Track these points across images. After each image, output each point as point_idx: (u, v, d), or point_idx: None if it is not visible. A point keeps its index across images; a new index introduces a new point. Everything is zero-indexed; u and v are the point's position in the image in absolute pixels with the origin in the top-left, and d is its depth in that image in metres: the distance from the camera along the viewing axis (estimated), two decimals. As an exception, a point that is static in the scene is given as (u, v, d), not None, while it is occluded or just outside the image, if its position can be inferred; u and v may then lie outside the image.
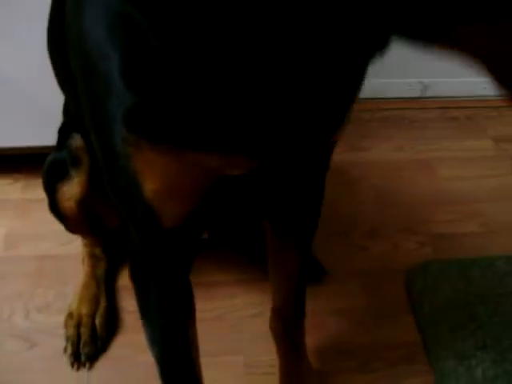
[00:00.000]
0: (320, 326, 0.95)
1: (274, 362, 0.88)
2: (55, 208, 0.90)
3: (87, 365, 0.91)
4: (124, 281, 1.03)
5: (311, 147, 0.55)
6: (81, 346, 0.92)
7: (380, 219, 1.16)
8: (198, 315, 0.68)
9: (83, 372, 0.90)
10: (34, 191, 1.17)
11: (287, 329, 0.85)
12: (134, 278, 0.63)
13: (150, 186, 0.50)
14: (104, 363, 0.92)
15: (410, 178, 1.26)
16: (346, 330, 0.97)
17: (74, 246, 1.05)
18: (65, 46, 0.55)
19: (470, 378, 0.91)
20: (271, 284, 0.82)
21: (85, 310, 0.95)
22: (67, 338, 0.93)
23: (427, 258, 1.09)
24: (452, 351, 0.95)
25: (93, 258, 1.01)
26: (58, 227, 0.96)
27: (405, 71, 1.43)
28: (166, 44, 0.43)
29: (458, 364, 0.93)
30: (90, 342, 0.93)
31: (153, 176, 0.50)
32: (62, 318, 0.96)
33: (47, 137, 0.99)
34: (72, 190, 0.86)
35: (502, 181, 1.28)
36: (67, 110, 0.89)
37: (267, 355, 0.90)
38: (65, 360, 0.91)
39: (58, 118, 0.90)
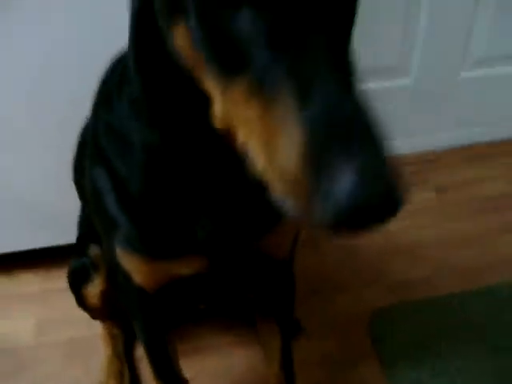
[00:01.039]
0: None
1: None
2: (82, 303, 1.13)
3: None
4: (140, 351, 1.24)
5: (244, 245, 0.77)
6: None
7: (344, 274, 1.39)
8: None
9: None
10: (53, 282, 1.38)
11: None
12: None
13: (135, 276, 0.78)
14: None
15: (367, 235, 1.49)
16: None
17: (98, 327, 1.26)
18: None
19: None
20: (266, 358, 1.06)
21: (110, 379, 1.17)
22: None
23: (386, 304, 1.33)
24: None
25: (112, 337, 1.23)
26: (83, 313, 1.19)
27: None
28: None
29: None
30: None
31: (135, 273, 0.78)
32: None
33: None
34: (94, 289, 1.09)
35: (445, 227, 1.52)
36: (84, 223, 1.12)
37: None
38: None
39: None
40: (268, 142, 0.44)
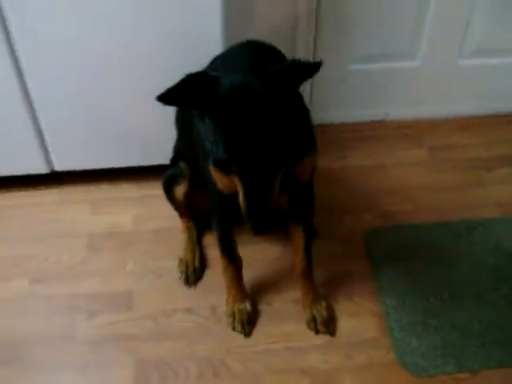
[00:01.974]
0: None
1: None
2: (172, 200, 1.71)
3: (193, 285, 1.73)
4: (206, 240, 1.83)
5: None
6: (190, 277, 1.73)
7: (351, 202, 1.96)
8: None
9: (191, 287, 1.72)
10: (147, 190, 1.97)
11: (306, 272, 1.64)
12: (212, 212, 1.48)
13: (219, 184, 1.32)
14: (203, 283, 1.73)
15: (372, 177, 2.05)
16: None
17: (179, 222, 1.85)
18: (190, 124, 1.36)
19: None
20: (293, 247, 1.63)
21: (189, 257, 1.76)
22: (181, 272, 1.74)
23: (379, 225, 1.89)
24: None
25: (188, 228, 1.82)
26: (169, 210, 1.77)
27: (372, 103, 2.21)
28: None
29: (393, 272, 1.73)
30: (193, 273, 1.74)
31: (220, 182, 1.32)
32: (176, 263, 1.77)
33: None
34: (181, 189, 1.68)
35: (431, 176, 2.07)
36: (177, 149, 1.69)
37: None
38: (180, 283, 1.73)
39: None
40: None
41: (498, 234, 1.87)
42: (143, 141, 1.86)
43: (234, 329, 1.63)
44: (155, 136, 1.82)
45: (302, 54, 1.98)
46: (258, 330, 1.64)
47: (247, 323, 1.63)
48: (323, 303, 1.66)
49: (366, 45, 2.03)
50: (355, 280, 1.75)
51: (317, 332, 1.63)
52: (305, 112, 1.36)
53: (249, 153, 1.08)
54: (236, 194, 1.22)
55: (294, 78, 1.08)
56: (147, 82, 1.56)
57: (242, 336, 1.62)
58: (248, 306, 1.65)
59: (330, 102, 2.15)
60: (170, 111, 1.54)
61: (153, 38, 1.60)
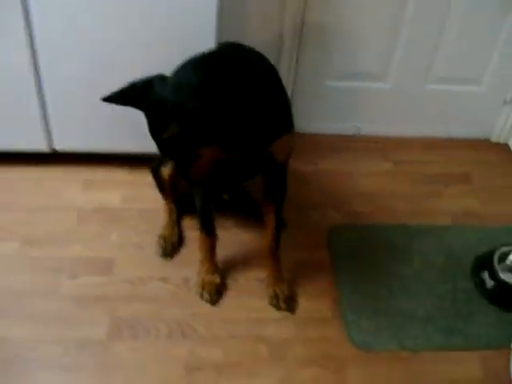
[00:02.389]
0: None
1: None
2: (158, 180, 1.91)
3: (169, 258, 1.92)
4: (184, 223, 2.02)
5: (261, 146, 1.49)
6: (167, 250, 1.92)
7: (318, 201, 2.17)
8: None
9: (167, 260, 1.91)
10: (137, 176, 2.17)
11: (272, 250, 1.83)
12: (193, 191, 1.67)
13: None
14: (178, 258, 1.92)
15: (340, 182, 2.27)
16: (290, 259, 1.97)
17: (162, 203, 2.04)
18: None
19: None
20: (264, 232, 1.82)
21: (168, 233, 1.95)
22: (159, 246, 1.92)
23: (342, 223, 2.09)
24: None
25: (171, 209, 2.01)
26: (154, 194, 1.97)
27: (345, 118, 2.44)
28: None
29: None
30: (170, 248, 1.93)
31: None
32: (156, 239, 1.96)
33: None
34: (167, 171, 1.88)
35: (394, 186, 2.29)
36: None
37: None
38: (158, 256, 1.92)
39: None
40: None
41: (449, 239, 2.08)
42: (139, 128, 2.04)
43: (202, 297, 1.81)
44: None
45: (286, 67, 2.21)
46: (224, 301, 1.82)
47: (215, 294, 1.81)
48: (286, 283, 1.85)
49: (342, 64, 2.27)
50: (316, 268, 1.95)
51: (278, 308, 1.81)
52: (281, 95, 1.55)
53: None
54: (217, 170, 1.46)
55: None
56: (147, 69, 1.77)
57: (209, 305, 1.80)
58: (217, 278, 1.84)
59: (308, 113, 2.37)
60: None
61: (154, 28, 1.82)
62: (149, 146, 2.02)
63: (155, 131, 1.35)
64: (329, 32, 2.17)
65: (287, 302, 1.82)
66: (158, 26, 1.83)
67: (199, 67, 1.37)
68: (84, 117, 2.02)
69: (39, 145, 2.08)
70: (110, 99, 1.41)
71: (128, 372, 1.62)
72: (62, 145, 2.10)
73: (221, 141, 1.37)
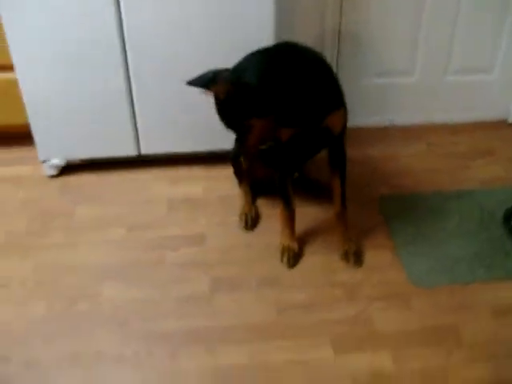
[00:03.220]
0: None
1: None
2: (237, 166, 2.31)
3: (250, 229, 2.30)
4: (258, 202, 2.42)
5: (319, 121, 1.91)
6: (248, 223, 2.30)
7: (368, 180, 2.56)
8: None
9: (250, 232, 2.30)
10: (212, 171, 2.58)
11: (341, 214, 2.21)
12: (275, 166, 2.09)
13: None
14: (258, 230, 2.31)
15: (384, 163, 2.66)
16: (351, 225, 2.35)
17: (238, 189, 2.44)
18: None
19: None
20: (333, 197, 2.20)
21: (247, 210, 2.33)
22: (241, 220, 2.31)
23: (389, 194, 2.48)
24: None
25: (246, 192, 2.40)
26: (230, 184, 2.38)
27: (381, 112, 2.85)
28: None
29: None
30: (250, 221, 2.31)
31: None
32: (237, 218, 2.35)
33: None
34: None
35: (429, 163, 2.67)
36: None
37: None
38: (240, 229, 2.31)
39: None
40: None
41: (480, 199, 2.44)
42: (210, 128, 2.46)
43: (282, 261, 2.17)
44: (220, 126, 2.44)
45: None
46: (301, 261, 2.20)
47: (293, 258, 2.17)
48: (353, 241, 2.21)
49: (374, 63, 2.69)
50: (373, 229, 2.32)
51: (348, 262, 2.17)
52: (331, 78, 1.95)
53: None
54: (289, 143, 1.90)
55: None
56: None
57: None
58: (296, 245, 2.19)
59: (348, 110, 2.77)
60: None
61: (222, 39, 2.26)
62: (220, 144, 2.47)
63: (220, 109, 1.79)
64: (361, 36, 2.60)
65: (356, 257, 2.17)
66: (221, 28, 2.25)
67: (257, 55, 1.81)
68: (166, 124, 2.45)
69: (129, 150, 2.50)
70: (190, 83, 1.80)
71: (230, 316, 1.98)
72: (147, 149, 2.51)
73: (273, 114, 1.78)
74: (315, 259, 2.20)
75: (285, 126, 1.89)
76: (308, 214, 2.38)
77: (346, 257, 2.17)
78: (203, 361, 1.84)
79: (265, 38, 2.20)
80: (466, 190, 2.50)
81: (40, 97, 2.34)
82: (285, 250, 2.17)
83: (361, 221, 2.35)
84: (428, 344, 1.89)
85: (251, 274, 2.13)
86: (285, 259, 2.16)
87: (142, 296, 2.04)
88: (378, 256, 2.20)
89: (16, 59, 2.25)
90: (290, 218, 2.18)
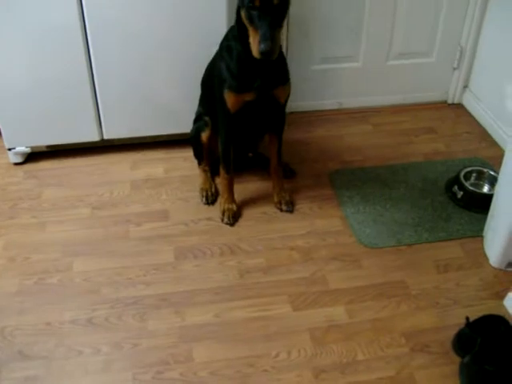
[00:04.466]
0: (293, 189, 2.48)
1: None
2: (198, 143, 2.44)
3: (211, 204, 2.45)
4: (216, 181, 2.56)
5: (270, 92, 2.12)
6: (209, 198, 2.44)
7: (318, 156, 2.72)
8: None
9: (211, 207, 2.44)
10: (173, 153, 2.72)
11: (277, 168, 2.39)
12: (219, 131, 2.27)
13: (228, 103, 2.11)
14: (217, 204, 2.45)
15: (332, 142, 2.84)
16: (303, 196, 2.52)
17: (197, 170, 2.58)
18: (212, 77, 2.20)
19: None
20: (269, 155, 2.40)
21: (207, 186, 2.48)
22: (202, 196, 2.45)
23: (338, 168, 2.65)
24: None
25: (206, 170, 2.54)
26: (189, 165, 2.52)
27: (329, 95, 3.03)
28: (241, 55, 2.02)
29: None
30: (211, 197, 2.45)
31: (229, 101, 2.10)
32: (197, 194, 2.49)
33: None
34: (205, 133, 2.40)
35: (375, 140, 2.86)
36: (201, 107, 2.45)
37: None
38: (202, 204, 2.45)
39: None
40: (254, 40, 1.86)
41: (424, 170, 2.65)
42: (171, 112, 2.61)
43: (222, 221, 2.35)
44: (179, 108, 2.59)
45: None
46: (260, 227, 2.35)
47: (232, 217, 2.35)
48: (287, 192, 2.44)
49: (321, 50, 2.87)
50: (324, 199, 2.49)
51: (281, 210, 2.41)
52: (284, 56, 2.17)
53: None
54: (239, 112, 2.10)
55: None
56: (177, 67, 2.39)
57: (248, 230, 2.32)
58: (234, 206, 2.39)
59: (297, 94, 2.94)
60: (192, 90, 2.43)
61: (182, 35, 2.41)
62: (180, 128, 2.61)
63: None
64: (308, 24, 2.77)
65: (287, 205, 2.41)
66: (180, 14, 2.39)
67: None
68: (128, 109, 2.58)
69: (92, 135, 2.61)
70: None
71: (195, 280, 2.12)
72: (109, 134, 2.64)
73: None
74: (270, 225, 2.38)
75: (242, 91, 2.09)
76: (254, 185, 2.57)
77: (279, 206, 2.41)
78: (171, 322, 1.97)
79: (219, 25, 2.34)
80: (411, 162, 2.69)
81: (4, 86, 2.42)
82: (225, 211, 2.37)
83: (312, 194, 2.51)
84: (378, 298, 2.06)
85: (213, 243, 2.27)
86: (225, 219, 2.35)
87: (111, 267, 2.16)
88: (329, 224, 2.37)
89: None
90: (229, 183, 2.37)
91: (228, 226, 2.34)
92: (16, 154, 2.63)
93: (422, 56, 2.99)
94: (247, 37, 1.94)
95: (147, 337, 1.91)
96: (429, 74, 3.03)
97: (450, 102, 3.12)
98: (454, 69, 3.02)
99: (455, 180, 2.49)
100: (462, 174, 2.49)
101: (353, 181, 2.58)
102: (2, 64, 2.37)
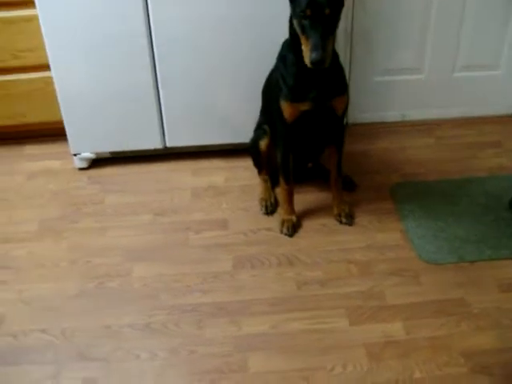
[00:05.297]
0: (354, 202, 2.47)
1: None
2: (256, 152, 2.46)
3: (270, 214, 2.45)
4: (276, 191, 2.57)
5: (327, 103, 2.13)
6: (268, 208, 2.46)
7: (380, 169, 2.70)
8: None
9: (270, 217, 2.45)
10: (233, 162, 2.74)
11: (337, 180, 2.38)
12: (277, 142, 2.30)
13: (285, 113, 2.13)
14: (276, 215, 2.46)
15: (395, 154, 2.80)
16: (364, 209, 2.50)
17: (258, 179, 2.60)
18: (271, 87, 2.24)
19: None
20: (329, 166, 2.39)
21: (267, 196, 2.49)
22: (261, 206, 2.46)
23: (400, 181, 2.62)
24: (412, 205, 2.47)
25: (265, 180, 2.55)
26: (249, 174, 2.54)
27: (393, 107, 3.00)
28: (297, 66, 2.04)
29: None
30: (270, 207, 2.46)
31: (285, 111, 2.13)
32: (257, 204, 2.50)
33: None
34: (264, 142, 2.41)
35: (438, 154, 2.82)
36: (261, 117, 2.46)
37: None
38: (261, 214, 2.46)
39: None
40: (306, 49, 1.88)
41: (488, 185, 2.58)
42: (232, 122, 2.64)
43: (281, 232, 2.35)
44: (241, 118, 2.61)
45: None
46: (318, 239, 2.34)
47: (292, 229, 2.35)
48: (347, 205, 2.42)
49: (385, 61, 2.84)
50: (385, 213, 2.46)
51: (340, 222, 2.39)
52: (339, 64, 2.16)
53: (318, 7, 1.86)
54: (296, 122, 2.12)
55: None
56: (240, 79, 2.49)
57: (307, 241, 2.32)
58: (294, 217, 2.38)
59: (361, 106, 2.93)
60: (254, 101, 2.44)
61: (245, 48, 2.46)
62: (240, 138, 2.64)
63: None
64: (372, 35, 2.75)
65: (347, 218, 2.39)
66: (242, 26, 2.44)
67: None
68: (191, 118, 2.63)
69: (155, 143, 2.67)
70: None
71: (252, 290, 2.13)
72: (172, 142, 2.68)
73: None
74: (331, 237, 2.36)
75: (298, 101, 2.11)
76: (314, 196, 2.57)
77: (338, 218, 2.39)
78: (227, 330, 1.98)
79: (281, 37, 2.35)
80: (474, 177, 2.63)
81: (73, 94, 2.51)
82: (284, 221, 2.37)
83: (373, 207, 2.49)
84: (437, 315, 2.02)
85: (271, 254, 2.27)
86: (284, 229, 2.35)
87: (170, 273, 2.20)
88: (388, 238, 2.34)
89: (52, 58, 2.43)
90: (289, 194, 2.37)
91: (287, 237, 2.34)
92: (81, 159, 2.70)
93: (488, 68, 2.92)
94: (300, 46, 1.95)
95: (203, 344, 1.93)
96: (495, 86, 2.96)
97: (516, 115, 3.03)
98: (522, 82, 2.94)
99: (520, 197, 2.43)
100: (528, 190, 2.42)
101: (414, 194, 2.53)
102: (71, 72, 2.46)
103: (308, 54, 1.90)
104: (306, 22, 1.89)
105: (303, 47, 1.93)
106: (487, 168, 2.70)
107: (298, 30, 1.93)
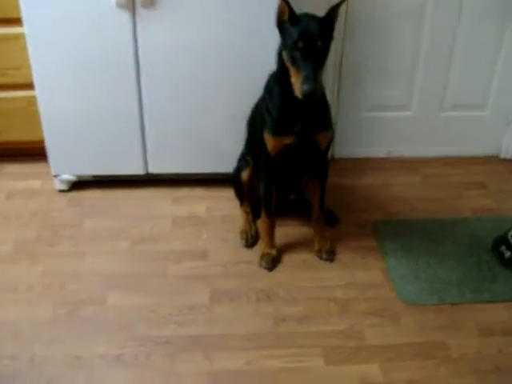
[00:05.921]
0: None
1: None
2: (238, 183, 2.43)
3: (250, 247, 2.41)
4: (258, 223, 2.53)
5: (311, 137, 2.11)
6: (248, 241, 2.41)
7: (364, 205, 2.67)
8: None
9: (250, 250, 2.41)
10: (215, 192, 2.71)
11: (319, 216, 2.36)
12: (260, 174, 2.27)
13: (268, 146, 2.11)
14: (257, 247, 2.42)
15: (380, 191, 2.78)
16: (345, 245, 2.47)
17: (239, 210, 2.56)
18: (255, 119, 2.22)
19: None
20: (312, 201, 2.36)
21: (247, 228, 2.45)
22: (242, 238, 2.42)
23: (384, 219, 2.60)
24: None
25: (247, 212, 2.52)
26: (231, 205, 2.50)
27: (379, 143, 2.99)
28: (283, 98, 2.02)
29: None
30: (250, 239, 2.42)
31: (269, 144, 2.10)
32: (238, 236, 2.46)
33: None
34: (246, 172, 2.38)
35: (423, 192, 2.80)
36: (247, 147, 2.43)
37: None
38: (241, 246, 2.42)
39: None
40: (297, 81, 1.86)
41: (472, 226, 2.56)
42: (217, 151, 2.61)
43: (260, 265, 2.32)
44: (226, 148, 2.58)
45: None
46: (297, 274, 2.30)
47: (271, 263, 2.31)
48: (328, 241, 2.38)
49: (373, 97, 2.83)
50: (367, 250, 2.43)
51: (321, 258, 2.36)
52: (325, 99, 2.14)
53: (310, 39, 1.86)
54: (279, 155, 2.10)
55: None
56: (226, 109, 2.46)
57: (287, 276, 2.28)
58: (274, 251, 2.35)
59: (347, 140, 2.91)
60: (239, 131, 2.42)
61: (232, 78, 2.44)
62: (222, 167, 2.61)
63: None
64: (360, 70, 2.75)
65: (328, 254, 2.36)
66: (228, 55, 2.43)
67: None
68: (175, 145, 2.60)
69: (138, 169, 2.63)
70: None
71: (229, 324, 2.08)
72: (155, 168, 2.65)
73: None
74: (311, 273, 2.33)
75: (282, 134, 2.09)
76: (295, 229, 2.54)
77: (319, 254, 2.36)
78: (200, 365, 1.93)
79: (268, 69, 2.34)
80: (458, 217, 2.61)
81: (56, 114, 2.47)
82: (264, 255, 2.33)
83: (355, 243, 2.46)
84: (416, 358, 1.98)
85: (250, 288, 2.23)
86: (263, 263, 2.31)
87: (145, 303, 2.14)
88: (369, 277, 2.30)
89: (37, 78, 2.39)
90: (270, 227, 2.34)
91: (266, 271, 2.30)
92: (61, 181, 2.66)
93: (476, 109, 2.92)
94: (287, 79, 1.94)
95: (175, 379, 1.88)
96: (482, 127, 2.97)
97: (502, 156, 3.04)
98: (509, 123, 2.95)
99: (503, 239, 2.40)
100: (511, 233, 2.40)
101: (397, 233, 2.51)
102: (55, 92, 2.42)
103: (299, 86, 1.88)
104: (297, 54, 1.88)
105: (293, 79, 1.91)
106: (472, 208, 2.68)
107: (289, 62, 1.91)
